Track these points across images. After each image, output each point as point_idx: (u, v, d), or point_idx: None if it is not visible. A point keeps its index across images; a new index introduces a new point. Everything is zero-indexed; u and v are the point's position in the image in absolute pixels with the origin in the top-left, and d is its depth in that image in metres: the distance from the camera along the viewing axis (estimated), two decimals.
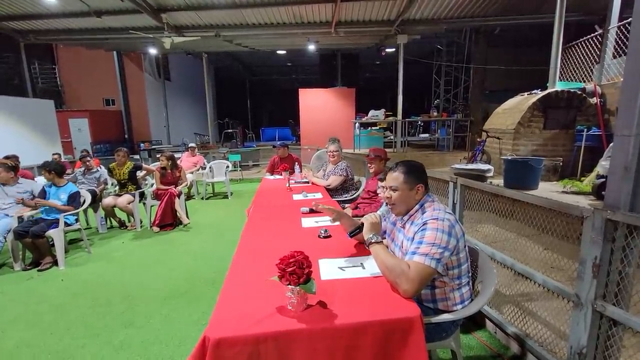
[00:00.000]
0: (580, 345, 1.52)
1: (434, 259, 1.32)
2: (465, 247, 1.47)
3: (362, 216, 1.71)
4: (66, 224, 3.71)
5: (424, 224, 1.41)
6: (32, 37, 9.01)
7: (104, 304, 2.75)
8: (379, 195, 2.53)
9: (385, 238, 1.77)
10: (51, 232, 3.49)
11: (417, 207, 1.54)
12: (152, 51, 11.07)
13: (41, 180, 4.18)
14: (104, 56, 12.83)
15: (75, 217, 3.91)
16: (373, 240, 1.49)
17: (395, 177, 1.55)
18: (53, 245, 3.73)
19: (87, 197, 4.11)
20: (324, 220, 2.37)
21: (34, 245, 3.47)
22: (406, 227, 1.55)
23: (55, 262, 3.54)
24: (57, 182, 3.78)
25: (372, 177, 3.32)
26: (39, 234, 3.41)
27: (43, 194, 3.74)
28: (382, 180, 2.46)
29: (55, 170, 3.74)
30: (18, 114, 8.04)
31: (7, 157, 4.75)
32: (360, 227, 1.63)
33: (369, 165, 3.21)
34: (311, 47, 10.54)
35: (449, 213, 1.45)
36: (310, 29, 8.80)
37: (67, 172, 6.79)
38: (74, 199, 3.78)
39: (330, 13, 7.86)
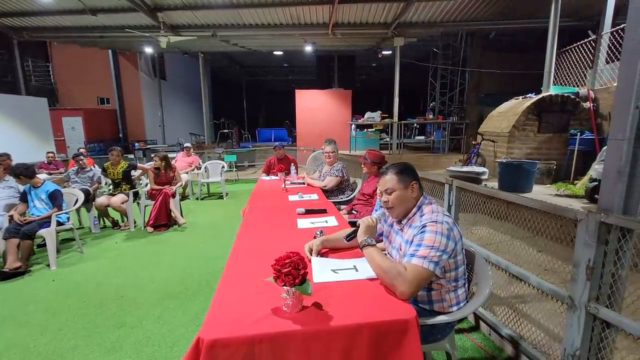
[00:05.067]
0: (574, 347, 1.53)
1: (432, 262, 1.32)
2: (462, 249, 1.47)
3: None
4: (58, 223, 3.66)
5: (423, 227, 1.40)
6: (26, 34, 8.89)
7: (96, 304, 2.71)
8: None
9: (381, 240, 1.77)
10: (43, 232, 3.44)
11: (414, 209, 1.53)
12: (148, 50, 10.99)
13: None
14: (98, 54, 12.70)
15: (67, 215, 3.87)
16: (366, 243, 1.49)
17: (389, 179, 1.55)
18: (43, 245, 3.67)
19: (80, 197, 4.06)
20: (320, 221, 2.37)
21: (18, 247, 3.33)
22: (404, 230, 1.54)
23: (27, 270, 3.35)
24: (33, 183, 3.61)
25: (367, 179, 3.32)
26: (29, 234, 3.35)
27: (25, 198, 3.63)
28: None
29: (22, 174, 3.54)
30: (11, 112, 7.94)
31: None
32: (356, 231, 1.62)
33: (362, 166, 3.21)
34: (308, 49, 10.54)
35: (447, 215, 1.45)
36: (307, 30, 8.80)
37: (60, 170, 6.78)
38: (55, 198, 3.64)
39: (328, 15, 7.87)
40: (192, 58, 13.21)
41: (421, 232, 1.39)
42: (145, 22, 8.09)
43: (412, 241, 1.42)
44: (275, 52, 12.85)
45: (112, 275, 3.27)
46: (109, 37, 9.30)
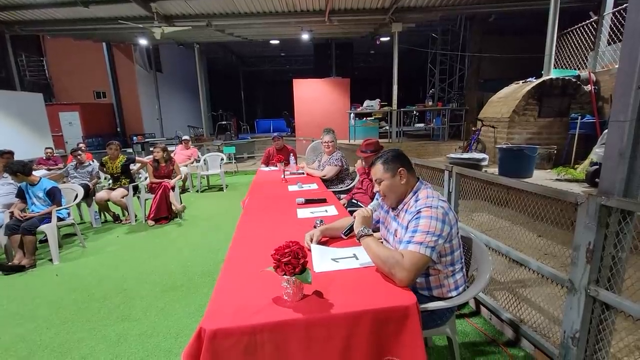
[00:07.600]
0: (574, 330, 1.54)
1: (429, 247, 1.32)
2: (457, 233, 1.47)
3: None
4: (59, 219, 3.67)
5: (417, 212, 1.40)
6: (18, 28, 8.74)
7: (100, 298, 2.74)
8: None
9: (378, 229, 1.77)
10: (43, 227, 3.45)
11: (410, 194, 1.54)
12: (143, 42, 10.82)
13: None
14: (93, 48, 12.53)
15: (68, 211, 3.87)
16: (363, 233, 1.50)
17: (376, 170, 1.58)
18: (45, 241, 3.68)
19: (80, 192, 4.06)
20: (320, 211, 2.37)
21: (21, 242, 3.34)
22: (400, 216, 1.54)
23: (34, 265, 3.40)
24: (29, 180, 3.58)
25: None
26: (30, 230, 3.35)
27: (22, 195, 3.61)
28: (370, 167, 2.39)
29: (19, 171, 3.49)
30: (6, 108, 7.87)
31: (1, 153, 4.64)
32: (353, 225, 1.63)
33: (362, 160, 3.16)
34: (305, 37, 10.37)
35: (442, 200, 1.45)
36: (303, 18, 8.65)
37: (58, 166, 6.76)
38: (53, 196, 3.62)
39: (324, 1, 7.72)
40: (187, 49, 13.02)
41: (416, 218, 1.39)
42: (139, 12, 7.95)
43: (407, 226, 1.42)
44: (271, 42, 12.66)
45: (115, 268, 3.29)
46: (103, 30, 9.14)
